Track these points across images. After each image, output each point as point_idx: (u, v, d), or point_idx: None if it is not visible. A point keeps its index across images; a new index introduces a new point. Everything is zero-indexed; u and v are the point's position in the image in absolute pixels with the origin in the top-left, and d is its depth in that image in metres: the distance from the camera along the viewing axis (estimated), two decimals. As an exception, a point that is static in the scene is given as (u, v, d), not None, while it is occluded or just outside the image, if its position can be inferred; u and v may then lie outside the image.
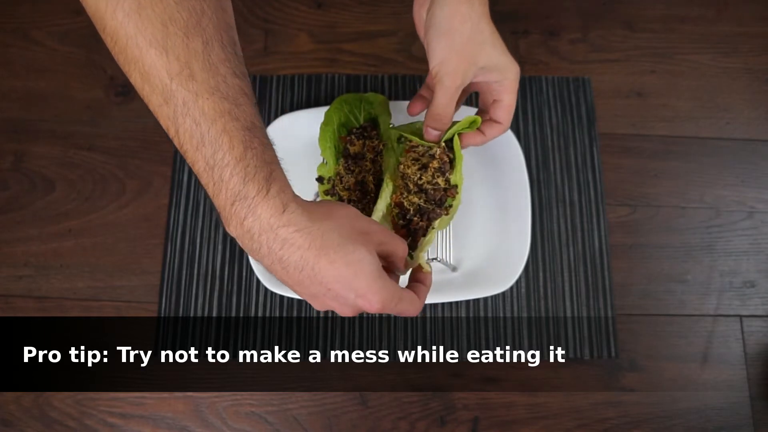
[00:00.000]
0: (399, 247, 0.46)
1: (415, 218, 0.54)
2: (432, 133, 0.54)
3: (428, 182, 0.54)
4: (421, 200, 0.54)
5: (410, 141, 0.57)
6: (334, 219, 0.42)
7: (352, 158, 0.66)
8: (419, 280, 0.51)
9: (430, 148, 0.56)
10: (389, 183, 0.56)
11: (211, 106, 0.38)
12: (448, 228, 0.71)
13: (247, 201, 0.39)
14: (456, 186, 0.55)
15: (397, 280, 0.49)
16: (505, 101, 0.54)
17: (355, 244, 0.41)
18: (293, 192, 0.41)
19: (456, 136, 0.56)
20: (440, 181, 0.55)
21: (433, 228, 0.53)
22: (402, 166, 0.56)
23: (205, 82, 0.38)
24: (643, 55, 0.84)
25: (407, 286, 0.49)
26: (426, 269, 0.50)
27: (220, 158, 0.39)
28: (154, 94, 0.38)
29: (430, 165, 0.55)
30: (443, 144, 0.56)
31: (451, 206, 0.55)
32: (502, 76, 0.52)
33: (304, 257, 0.40)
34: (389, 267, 0.48)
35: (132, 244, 0.75)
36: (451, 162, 0.55)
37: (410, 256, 0.52)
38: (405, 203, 0.55)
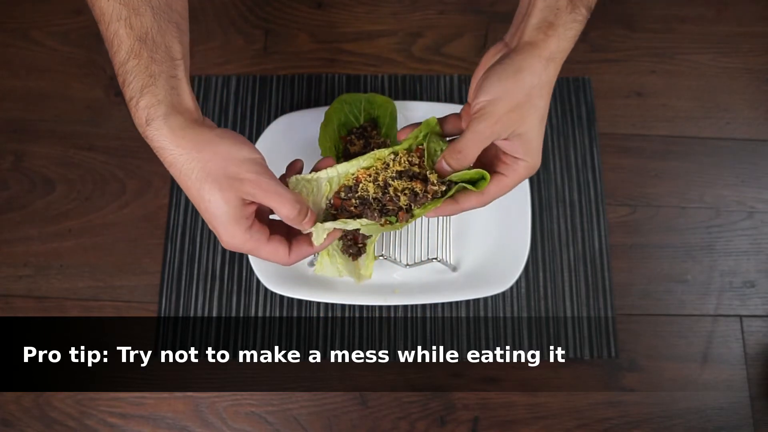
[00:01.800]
0: (282, 207, 0.45)
1: (353, 200, 0.51)
2: (445, 168, 0.50)
3: (396, 189, 0.51)
4: (373, 194, 0.51)
5: (421, 145, 0.53)
6: (206, 152, 0.43)
7: (352, 158, 0.66)
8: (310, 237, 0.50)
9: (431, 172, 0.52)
10: (369, 158, 0.52)
11: (109, 9, 0.42)
12: (448, 228, 0.71)
13: (126, 101, 0.43)
14: (412, 216, 0.51)
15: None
16: (506, 182, 0.50)
17: (213, 187, 0.43)
18: (171, 110, 0.43)
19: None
20: (404, 199, 0.50)
21: (357, 220, 0.50)
22: (395, 160, 0.52)
23: None
24: (643, 55, 0.84)
25: (293, 239, 0.49)
26: (315, 242, 0.48)
27: (111, 57, 0.43)
28: None
29: (414, 183, 0.51)
30: (443, 184, 0.51)
31: (390, 223, 0.51)
32: (523, 157, 0.48)
33: (170, 171, 0.44)
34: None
35: (132, 244, 0.75)
36: (434, 199, 0.51)
37: (322, 220, 0.50)
38: (361, 184, 0.52)
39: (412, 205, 0.50)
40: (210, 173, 0.43)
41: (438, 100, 0.81)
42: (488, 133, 0.47)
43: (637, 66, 0.84)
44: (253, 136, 0.79)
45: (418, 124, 0.53)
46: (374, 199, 0.51)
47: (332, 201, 0.52)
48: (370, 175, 0.52)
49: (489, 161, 0.51)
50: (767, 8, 0.87)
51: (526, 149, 0.48)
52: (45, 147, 0.79)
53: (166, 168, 0.44)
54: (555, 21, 0.45)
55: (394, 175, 0.51)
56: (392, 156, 0.52)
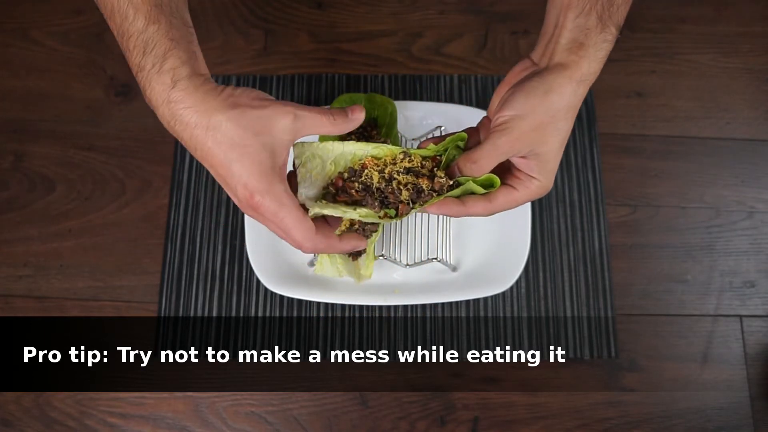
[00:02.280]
0: (321, 117, 0.45)
1: (355, 184, 0.50)
2: (456, 175, 0.50)
3: (399, 183, 0.50)
4: (377, 183, 0.50)
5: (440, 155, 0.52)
6: (231, 100, 0.42)
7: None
8: (344, 237, 0.50)
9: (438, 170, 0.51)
10: (380, 149, 0.51)
11: None
12: (448, 228, 0.71)
13: (144, 73, 0.42)
14: (412, 210, 0.50)
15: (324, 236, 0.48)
16: (515, 196, 0.49)
17: (247, 133, 0.41)
18: (194, 71, 0.42)
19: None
20: (406, 194, 0.49)
21: (357, 210, 0.49)
22: (406, 158, 0.51)
23: None
24: (643, 55, 0.84)
25: (319, 226, 0.47)
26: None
27: (126, 29, 0.42)
28: None
29: (421, 180, 0.50)
30: (451, 181, 0.50)
31: (390, 217, 0.50)
32: (537, 176, 0.48)
33: (194, 135, 0.42)
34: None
35: (132, 244, 0.75)
36: (437, 195, 0.50)
37: (320, 205, 0.49)
38: (366, 170, 0.50)
39: (412, 202, 0.50)
40: (240, 120, 0.42)
41: (438, 100, 0.81)
42: (507, 148, 0.46)
43: (637, 66, 0.84)
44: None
45: (441, 138, 0.52)
46: (377, 188, 0.50)
47: (334, 180, 0.51)
48: (377, 165, 0.51)
49: (501, 172, 0.50)
50: (767, 8, 0.87)
51: (542, 169, 0.47)
52: (45, 147, 0.79)
53: (186, 133, 0.42)
54: (585, 41, 0.45)
55: (401, 170, 0.50)
56: (403, 155, 0.51)
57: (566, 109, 0.46)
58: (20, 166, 0.78)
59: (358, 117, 0.48)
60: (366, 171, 0.50)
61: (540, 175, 0.48)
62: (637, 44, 0.85)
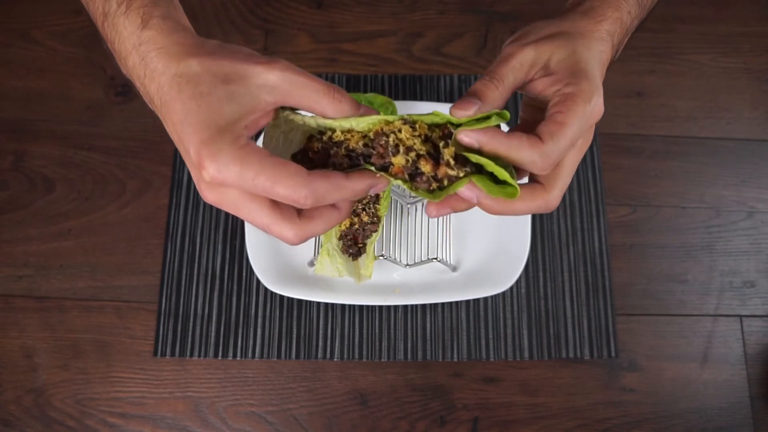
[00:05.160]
0: (313, 84, 0.36)
1: (315, 144, 0.40)
2: (463, 139, 0.38)
3: (399, 142, 0.39)
4: (353, 144, 0.40)
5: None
6: (210, 45, 0.35)
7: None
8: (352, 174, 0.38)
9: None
10: (368, 122, 0.39)
11: None
12: (448, 228, 0.71)
13: (108, 20, 0.35)
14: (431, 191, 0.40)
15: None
16: (564, 131, 0.37)
17: (216, 81, 0.33)
18: (169, 15, 0.35)
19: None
20: (401, 158, 0.39)
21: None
22: (409, 126, 0.39)
23: None
24: (643, 55, 0.84)
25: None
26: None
27: None
28: None
29: (422, 161, 0.39)
30: (462, 173, 0.39)
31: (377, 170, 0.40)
32: (571, 79, 0.39)
33: (160, 85, 0.34)
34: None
35: (132, 244, 0.75)
36: (437, 185, 0.40)
37: None
38: (355, 144, 0.39)
39: (410, 177, 0.40)
40: (212, 67, 0.34)
41: (438, 100, 0.81)
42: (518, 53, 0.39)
43: (636, 66, 0.84)
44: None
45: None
46: (351, 149, 0.40)
47: (303, 145, 0.41)
48: (358, 133, 0.40)
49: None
50: (767, 8, 0.87)
51: (573, 71, 0.38)
52: (45, 147, 0.79)
53: (154, 85, 0.35)
54: None
55: (396, 129, 0.39)
56: (403, 121, 0.39)
57: (577, 33, 0.40)
58: (20, 166, 0.78)
59: (366, 113, 0.39)
60: (338, 133, 0.40)
61: (575, 79, 0.38)
62: (637, 44, 0.85)
